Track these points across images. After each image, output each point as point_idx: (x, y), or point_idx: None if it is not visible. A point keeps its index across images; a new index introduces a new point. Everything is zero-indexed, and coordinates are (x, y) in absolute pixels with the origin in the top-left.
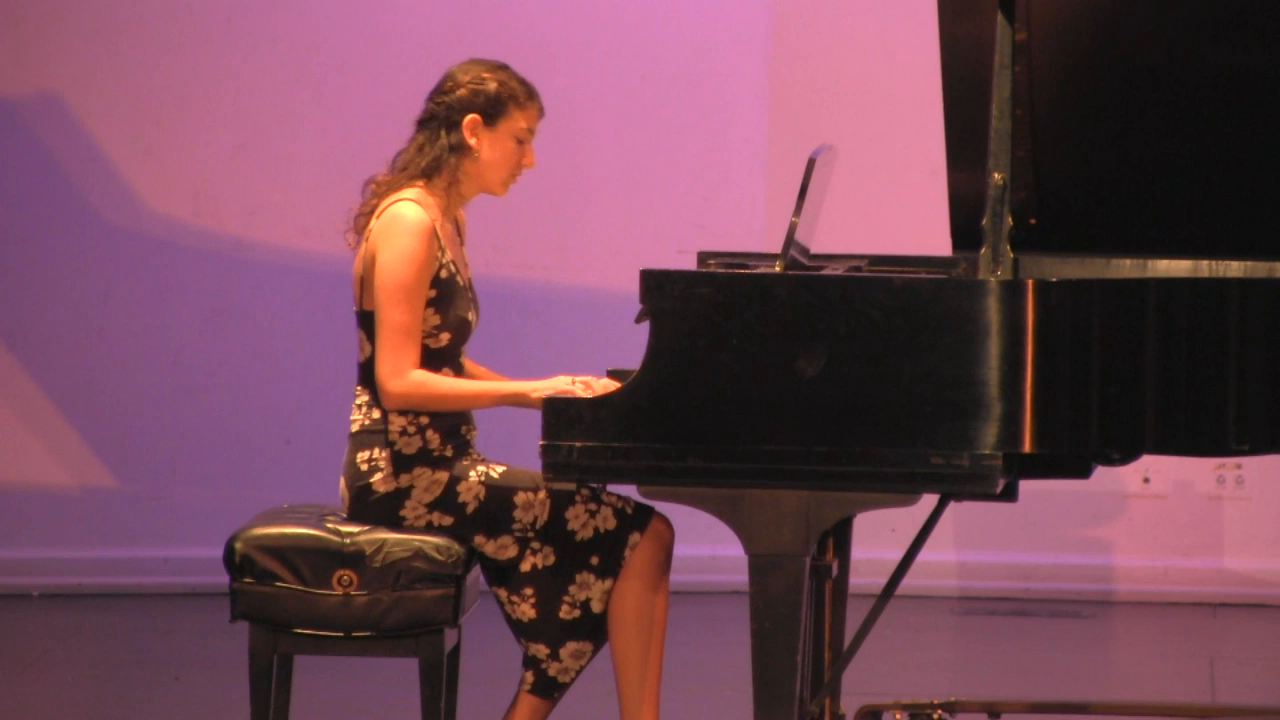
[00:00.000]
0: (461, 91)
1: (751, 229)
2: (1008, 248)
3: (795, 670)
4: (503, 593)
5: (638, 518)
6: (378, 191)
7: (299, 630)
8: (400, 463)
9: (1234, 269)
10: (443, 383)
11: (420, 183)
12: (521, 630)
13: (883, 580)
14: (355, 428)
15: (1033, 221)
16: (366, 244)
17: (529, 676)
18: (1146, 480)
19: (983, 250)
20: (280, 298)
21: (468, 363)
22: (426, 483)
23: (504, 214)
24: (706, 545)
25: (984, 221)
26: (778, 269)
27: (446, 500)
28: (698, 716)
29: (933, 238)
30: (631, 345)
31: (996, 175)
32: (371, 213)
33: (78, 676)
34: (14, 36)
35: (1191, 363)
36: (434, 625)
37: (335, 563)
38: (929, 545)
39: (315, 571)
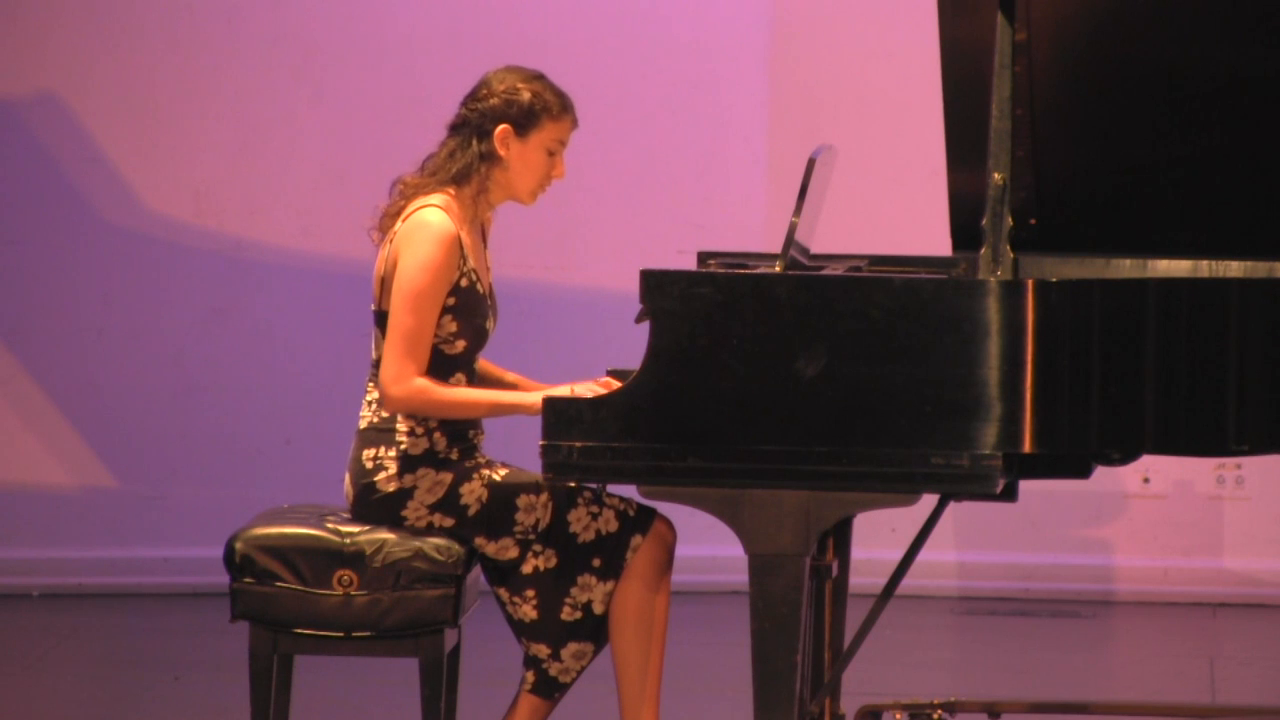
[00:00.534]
0: (495, 100)
1: (751, 229)
2: (1008, 248)
3: (795, 670)
4: (504, 593)
5: (640, 520)
6: (405, 193)
7: (299, 630)
8: (406, 463)
9: (1234, 269)
10: (444, 391)
11: (449, 189)
12: (522, 630)
13: (883, 580)
14: (363, 424)
15: (1033, 221)
16: (390, 246)
17: (530, 676)
18: (1146, 480)
19: (983, 250)
20: (280, 298)
21: (490, 366)
22: (430, 484)
23: (504, 214)
24: (706, 545)
25: (984, 221)
26: (778, 269)
27: (449, 502)
28: (698, 716)
29: (933, 238)
30: (631, 345)
31: (996, 175)
32: (398, 214)
33: (78, 676)
34: (13, 36)
35: (1191, 363)
36: (434, 625)
37: (335, 563)
38: (929, 545)
39: (315, 571)
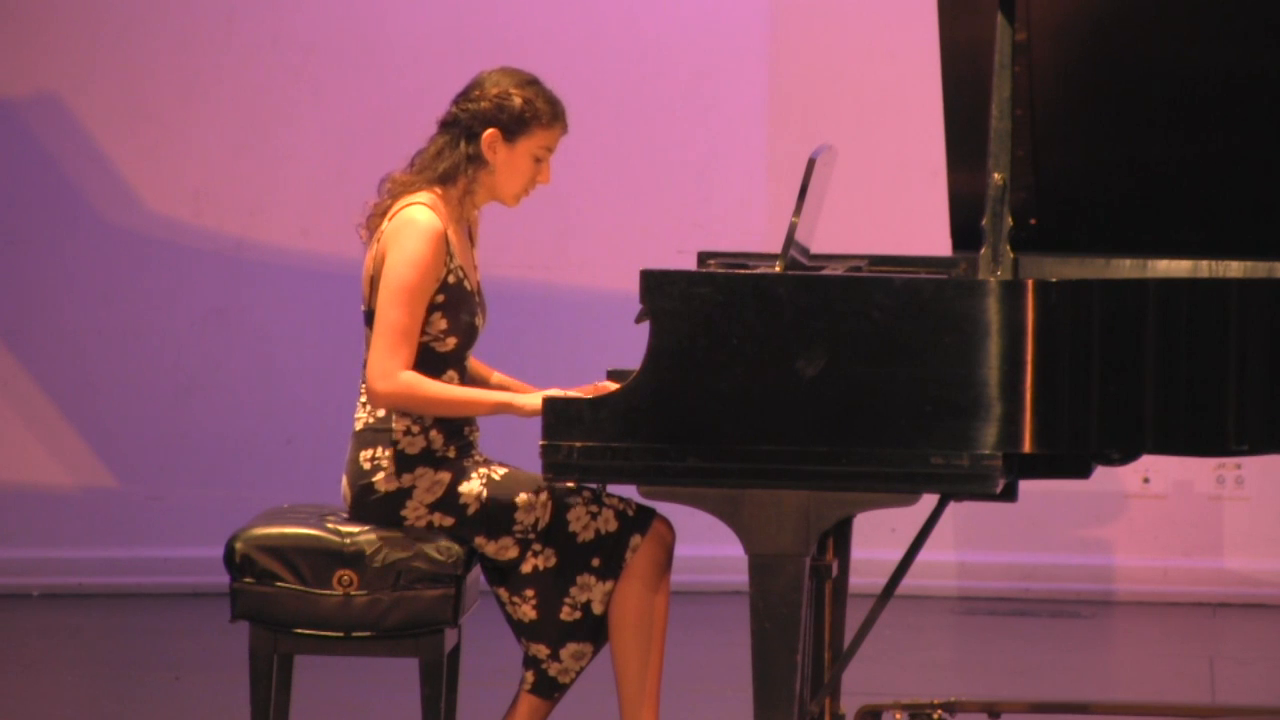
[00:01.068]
0: (486, 104)
1: (751, 229)
2: (1008, 248)
3: (795, 670)
4: (503, 593)
5: (639, 519)
6: (393, 191)
7: (299, 630)
8: (403, 462)
9: (1234, 269)
10: (432, 387)
11: (435, 188)
12: (522, 630)
13: (883, 580)
14: (359, 426)
15: (1033, 221)
16: (378, 244)
17: (529, 676)
18: (1146, 480)
19: (983, 250)
20: (280, 298)
21: (478, 365)
22: (428, 483)
23: (504, 214)
24: (706, 545)
25: (984, 221)
26: (778, 269)
27: (448, 501)
28: (698, 716)
29: (933, 238)
30: (631, 345)
31: (996, 175)
32: (385, 213)
33: (78, 676)
34: (13, 36)
35: (1191, 363)
36: (434, 625)
37: (335, 563)
38: (929, 545)
39: (315, 571)
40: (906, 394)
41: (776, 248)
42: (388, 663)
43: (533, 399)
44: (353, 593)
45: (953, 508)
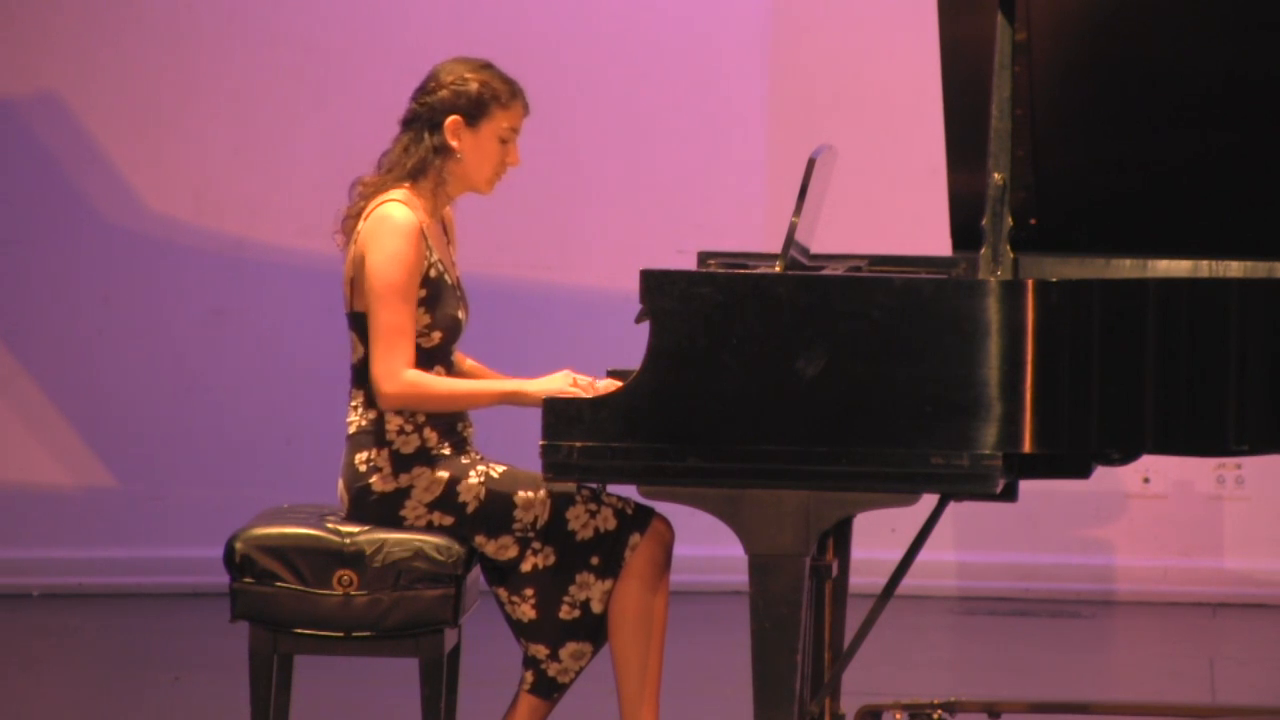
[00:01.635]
0: (443, 93)
1: (751, 229)
2: (1008, 248)
3: (795, 670)
4: (503, 592)
5: (638, 518)
6: (365, 193)
7: (299, 630)
8: (399, 462)
9: (1234, 269)
10: (438, 382)
11: (407, 184)
12: (521, 630)
13: (883, 580)
14: (352, 429)
15: (1033, 221)
16: (355, 246)
17: (529, 676)
18: (1146, 480)
19: (983, 250)
20: (280, 298)
21: (465, 361)
22: (426, 482)
23: (504, 214)
24: (706, 545)
25: (984, 221)
26: (778, 269)
27: (446, 500)
28: (698, 716)
29: (933, 238)
30: (631, 345)
31: (996, 175)
32: (359, 215)
33: (78, 676)
34: (13, 36)
35: (1191, 363)
36: (434, 625)
37: (335, 563)
38: (929, 545)
39: (315, 571)
40: (906, 394)
41: (776, 248)
42: (388, 663)
43: (543, 383)
44: (353, 593)
45: (952, 508)
